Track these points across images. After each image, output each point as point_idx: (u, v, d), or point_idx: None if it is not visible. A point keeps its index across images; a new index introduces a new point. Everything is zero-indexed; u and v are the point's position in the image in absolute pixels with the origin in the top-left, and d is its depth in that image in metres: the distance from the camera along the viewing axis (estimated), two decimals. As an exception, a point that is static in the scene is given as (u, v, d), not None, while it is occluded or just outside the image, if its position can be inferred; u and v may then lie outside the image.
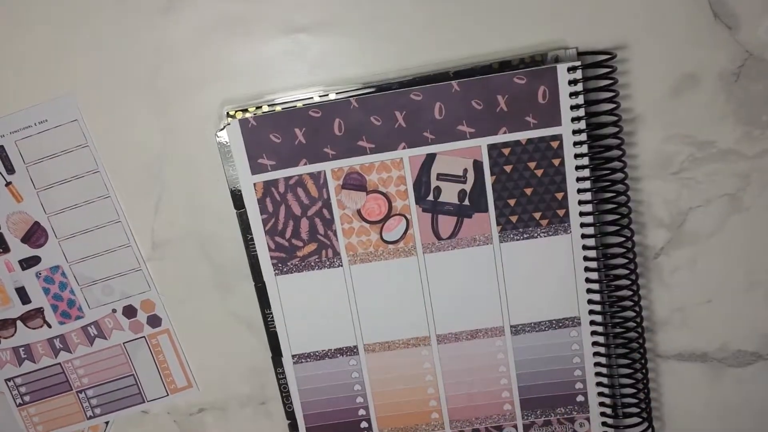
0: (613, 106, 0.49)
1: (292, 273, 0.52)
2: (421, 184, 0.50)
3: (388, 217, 0.51)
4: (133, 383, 0.56)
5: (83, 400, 0.56)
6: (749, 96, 0.50)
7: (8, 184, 0.53)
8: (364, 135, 0.50)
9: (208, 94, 0.51)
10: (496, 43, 0.50)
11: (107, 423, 0.57)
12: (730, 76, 0.50)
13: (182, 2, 0.50)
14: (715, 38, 0.49)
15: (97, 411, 0.57)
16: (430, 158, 0.50)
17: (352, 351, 0.53)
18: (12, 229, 0.53)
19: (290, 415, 0.54)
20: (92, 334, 0.55)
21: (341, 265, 0.52)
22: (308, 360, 0.53)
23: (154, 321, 0.55)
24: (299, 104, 0.50)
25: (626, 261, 0.51)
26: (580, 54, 0.49)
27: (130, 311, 0.55)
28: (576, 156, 0.49)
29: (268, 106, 0.50)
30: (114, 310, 0.55)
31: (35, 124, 0.52)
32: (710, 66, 0.50)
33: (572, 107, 0.49)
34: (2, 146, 0.52)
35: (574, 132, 0.49)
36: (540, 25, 0.50)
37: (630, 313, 0.52)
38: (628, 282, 0.52)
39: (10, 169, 0.52)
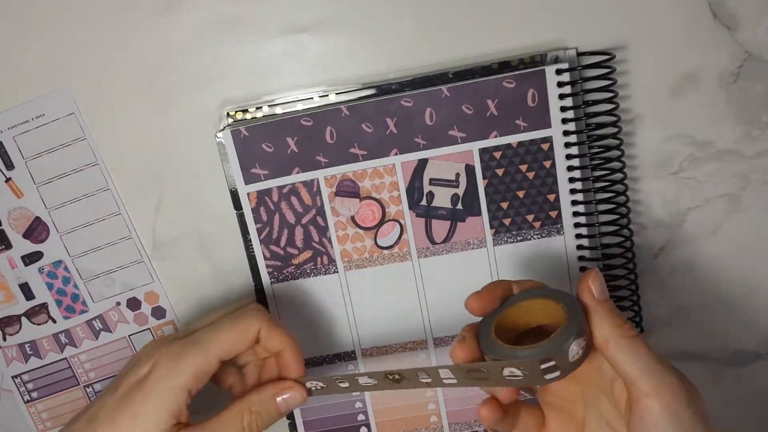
0: (612, 106, 0.48)
1: (288, 281, 0.52)
2: (414, 190, 0.50)
3: (382, 222, 0.51)
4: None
5: (91, 394, 0.57)
6: (748, 96, 0.49)
7: (8, 180, 0.53)
8: (356, 142, 0.50)
9: (208, 94, 0.51)
10: (495, 44, 0.50)
11: None
12: (729, 76, 0.49)
13: (182, 2, 0.50)
14: (714, 38, 0.48)
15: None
16: (422, 164, 0.50)
17: (350, 356, 0.54)
18: (13, 225, 0.54)
19: (290, 414, 0.55)
20: (97, 328, 0.56)
21: (337, 272, 0.52)
22: (307, 366, 0.53)
23: (159, 312, 0.55)
24: (299, 105, 0.50)
25: (625, 261, 0.51)
26: (580, 54, 0.49)
27: (134, 303, 0.55)
28: (568, 157, 0.49)
29: (268, 106, 0.51)
30: (118, 303, 0.55)
31: (32, 119, 0.52)
32: (710, 66, 0.49)
33: (562, 109, 0.48)
34: (1, 142, 0.52)
35: (565, 133, 0.49)
36: (540, 26, 0.49)
37: (629, 313, 0.52)
38: (627, 282, 0.52)
39: (10, 165, 0.53)
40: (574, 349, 0.37)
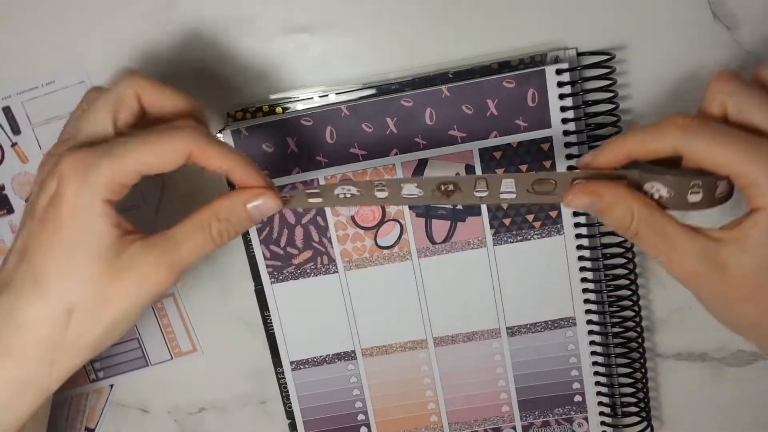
0: (612, 106, 0.48)
1: (288, 281, 0.52)
2: (414, 190, 0.50)
3: (382, 222, 0.51)
4: (137, 346, 0.56)
5: (90, 371, 0.56)
6: (748, 96, 0.49)
7: (14, 144, 0.52)
8: (356, 142, 0.50)
9: (209, 94, 0.51)
10: (495, 44, 0.50)
11: (111, 386, 0.57)
12: (729, 76, 0.49)
13: (182, 2, 0.50)
14: (714, 38, 0.48)
15: (101, 374, 0.57)
16: (423, 164, 0.50)
17: (350, 356, 0.54)
18: (17, 191, 0.53)
19: (290, 414, 0.55)
20: None
21: (337, 272, 0.52)
22: (307, 366, 0.54)
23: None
24: (299, 105, 0.50)
25: (625, 261, 0.51)
26: (580, 54, 0.49)
27: None
28: (568, 157, 0.49)
29: (268, 106, 0.51)
30: None
31: (42, 86, 0.51)
32: (710, 66, 0.49)
33: (562, 109, 0.48)
34: (8, 107, 0.52)
35: (565, 133, 0.49)
36: (540, 26, 0.49)
37: (629, 313, 0.52)
38: (627, 282, 0.52)
39: (16, 130, 0.52)
40: (723, 185, 0.37)
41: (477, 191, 0.39)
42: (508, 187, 0.39)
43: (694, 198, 0.37)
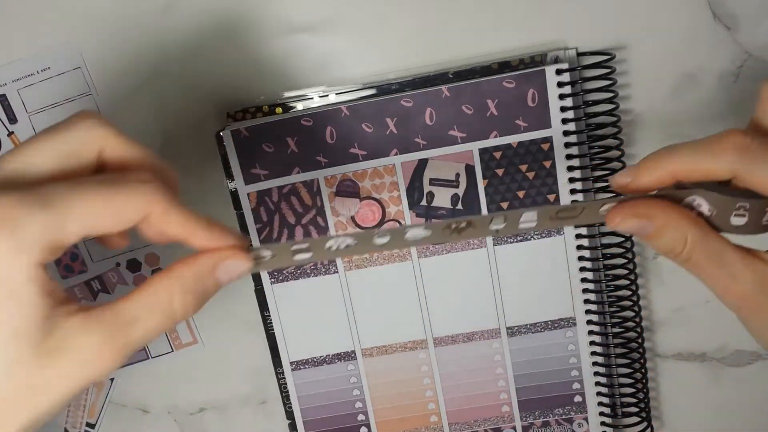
0: (612, 106, 0.48)
1: (288, 281, 0.52)
2: (414, 190, 0.50)
3: (382, 223, 0.51)
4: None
5: None
6: (748, 96, 0.49)
7: (10, 134, 0.52)
8: (356, 142, 0.50)
9: (208, 94, 0.51)
10: (495, 44, 0.50)
11: (112, 380, 0.57)
12: (729, 76, 0.49)
13: (182, 2, 0.50)
14: (714, 38, 0.48)
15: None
16: (423, 164, 0.50)
17: (350, 356, 0.54)
18: None
19: (290, 414, 0.55)
20: (96, 289, 0.54)
21: (337, 272, 0.52)
22: (307, 366, 0.54)
23: (159, 275, 0.54)
24: (299, 105, 0.50)
25: (625, 261, 0.51)
26: (580, 54, 0.49)
27: (134, 265, 0.54)
28: (568, 157, 0.49)
29: (268, 106, 0.51)
30: (118, 264, 0.54)
31: (38, 72, 0.51)
32: (710, 66, 0.49)
33: (562, 109, 0.48)
34: (4, 95, 0.51)
35: (565, 133, 0.49)
36: (540, 26, 0.49)
37: (629, 313, 0.52)
38: (627, 282, 0.52)
39: (13, 119, 0.52)
40: None
41: (493, 224, 0.35)
42: (529, 218, 0.35)
43: (738, 221, 0.34)
